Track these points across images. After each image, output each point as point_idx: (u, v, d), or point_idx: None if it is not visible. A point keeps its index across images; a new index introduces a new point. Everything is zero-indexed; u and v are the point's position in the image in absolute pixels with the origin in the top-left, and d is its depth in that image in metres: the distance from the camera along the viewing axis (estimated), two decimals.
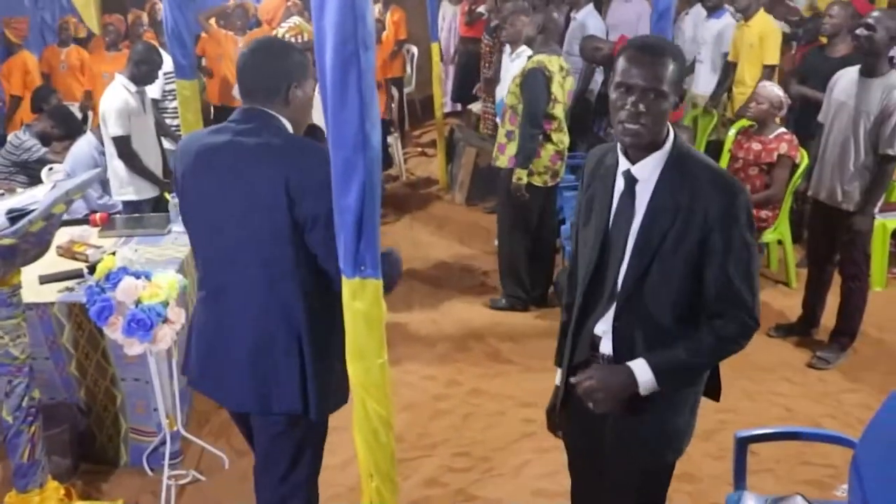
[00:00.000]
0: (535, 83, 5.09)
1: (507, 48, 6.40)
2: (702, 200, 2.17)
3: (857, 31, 4.35)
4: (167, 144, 6.07)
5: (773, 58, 6.65)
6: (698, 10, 7.78)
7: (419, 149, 9.59)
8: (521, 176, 5.17)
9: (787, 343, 5.05)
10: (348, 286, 2.08)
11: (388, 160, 8.34)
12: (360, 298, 2.06)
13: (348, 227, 2.00)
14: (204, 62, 7.89)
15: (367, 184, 1.95)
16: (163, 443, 3.73)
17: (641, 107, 2.13)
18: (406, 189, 8.28)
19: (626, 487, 2.54)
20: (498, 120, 6.00)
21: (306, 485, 2.67)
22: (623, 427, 2.43)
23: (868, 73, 4.40)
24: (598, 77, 7.21)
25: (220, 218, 2.44)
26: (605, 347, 2.39)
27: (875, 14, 4.38)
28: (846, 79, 4.55)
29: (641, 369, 2.23)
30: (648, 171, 2.23)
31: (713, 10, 7.37)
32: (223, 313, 2.53)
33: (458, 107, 10.04)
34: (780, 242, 5.71)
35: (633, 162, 2.25)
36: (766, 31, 6.68)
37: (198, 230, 2.57)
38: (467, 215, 7.37)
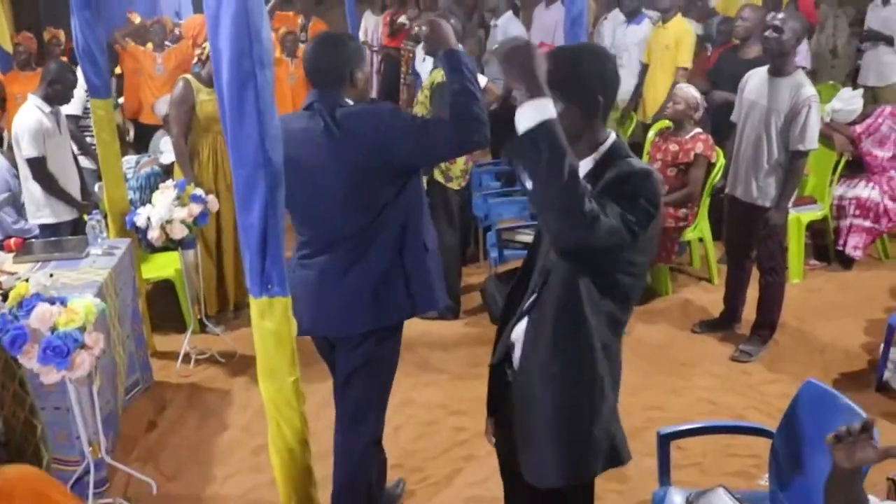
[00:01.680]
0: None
1: (419, 53, 6.44)
2: (609, 189, 2.09)
3: (766, 34, 4.47)
4: (86, 163, 5.95)
5: (687, 60, 6.79)
6: (616, 15, 7.92)
7: None
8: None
9: (711, 338, 5.15)
10: (256, 306, 2.06)
11: None
12: (268, 317, 2.05)
13: (253, 245, 1.99)
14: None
15: (270, 201, 1.94)
16: (87, 472, 3.64)
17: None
18: None
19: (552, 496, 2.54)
20: None
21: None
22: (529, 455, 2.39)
23: (776, 73, 4.52)
24: None
25: (318, 192, 2.87)
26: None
27: (781, 16, 4.51)
28: (756, 79, 4.67)
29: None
30: (581, 172, 2.17)
31: (632, 17, 7.51)
32: (327, 265, 2.95)
33: None
34: (700, 240, 5.82)
35: None
36: (681, 34, 6.82)
37: (297, 204, 2.91)
38: None
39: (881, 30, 7.24)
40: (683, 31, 6.85)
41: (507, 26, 7.54)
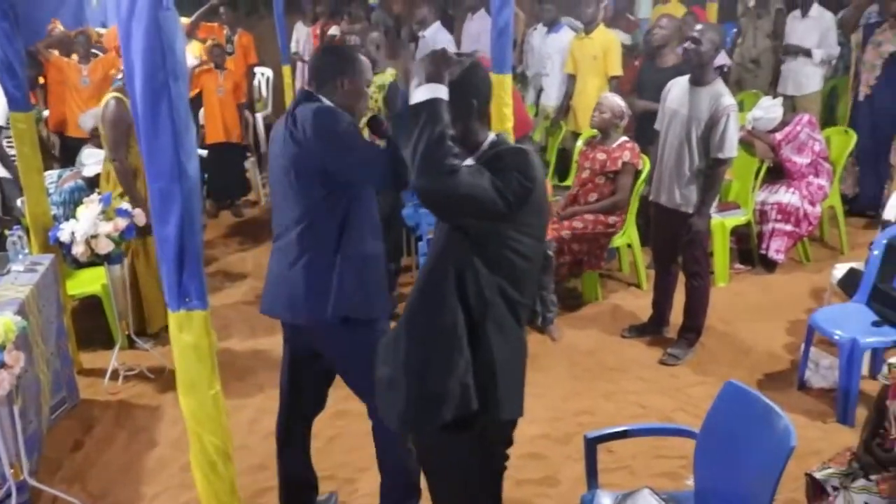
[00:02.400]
0: (399, 95, 5.28)
1: None
2: (484, 164, 2.34)
3: (685, 45, 4.59)
4: (2, 172, 5.82)
5: (617, 69, 6.92)
6: (542, 26, 8.04)
7: None
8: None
9: (640, 343, 5.24)
10: (174, 319, 2.05)
11: (246, 186, 8.23)
12: (187, 331, 2.03)
13: (170, 258, 1.98)
14: None
15: (186, 214, 1.93)
16: (8, 494, 3.55)
17: None
18: (266, 214, 8.17)
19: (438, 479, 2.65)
20: None
21: None
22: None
23: (697, 82, 4.64)
24: None
25: (276, 180, 3.17)
26: None
27: (699, 28, 4.64)
28: (678, 88, 4.78)
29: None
30: None
31: (551, 26, 7.63)
32: (280, 252, 3.19)
33: None
34: (629, 246, 5.92)
35: None
36: (607, 44, 6.94)
37: (272, 191, 3.29)
38: None
39: (800, 42, 7.46)
40: (609, 40, 6.97)
41: (435, 37, 7.58)
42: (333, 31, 9.15)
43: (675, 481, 3.83)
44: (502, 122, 4.77)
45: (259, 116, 9.64)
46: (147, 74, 1.83)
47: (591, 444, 3.16)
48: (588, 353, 5.12)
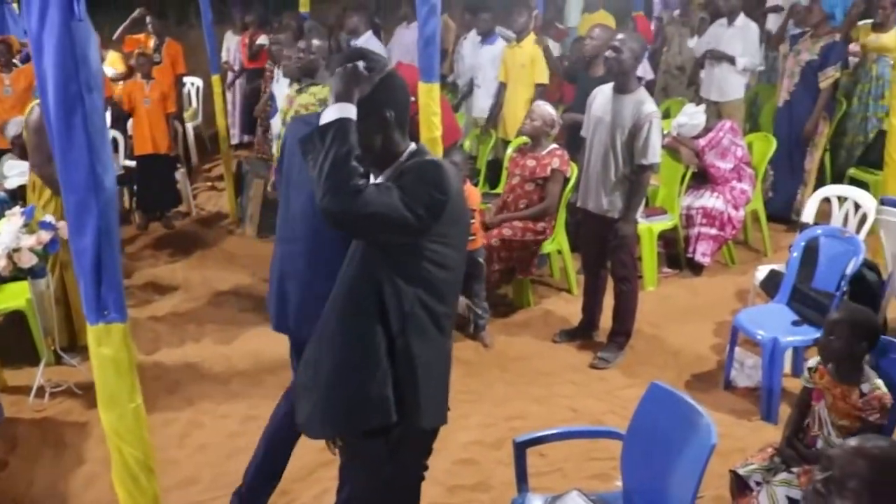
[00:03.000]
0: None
1: (277, 74, 6.42)
2: (397, 180, 2.35)
3: (606, 54, 4.69)
4: None
5: (543, 77, 7.01)
6: (473, 35, 8.11)
7: (209, 183, 9.39)
8: None
9: (571, 347, 5.30)
10: (93, 333, 2.03)
11: (176, 197, 8.12)
12: (105, 344, 2.01)
13: (87, 271, 1.96)
14: None
15: (103, 226, 1.92)
16: None
17: None
18: (197, 225, 8.09)
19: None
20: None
21: None
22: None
23: (620, 90, 4.73)
24: None
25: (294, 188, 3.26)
26: None
27: (620, 37, 4.74)
28: (602, 96, 4.87)
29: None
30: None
31: (486, 37, 7.70)
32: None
33: (246, 138, 9.96)
34: (559, 252, 5.99)
35: (376, 176, 2.45)
36: (535, 52, 7.03)
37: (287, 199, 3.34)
38: (259, 248, 7.25)
39: (725, 49, 7.65)
40: (538, 49, 7.07)
41: (366, 47, 7.58)
42: (262, 40, 9.13)
43: (606, 482, 3.89)
44: (430, 130, 4.81)
45: (189, 126, 9.54)
46: (59, 86, 1.80)
47: (520, 449, 3.19)
48: (520, 359, 5.17)
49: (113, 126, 8.09)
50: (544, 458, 4.09)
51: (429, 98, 4.80)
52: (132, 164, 7.74)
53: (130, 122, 7.66)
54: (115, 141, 7.87)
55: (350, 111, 2.23)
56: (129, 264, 6.93)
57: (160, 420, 4.52)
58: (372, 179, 2.42)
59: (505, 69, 7.25)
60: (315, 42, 5.34)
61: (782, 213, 7.07)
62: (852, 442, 2.05)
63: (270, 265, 3.40)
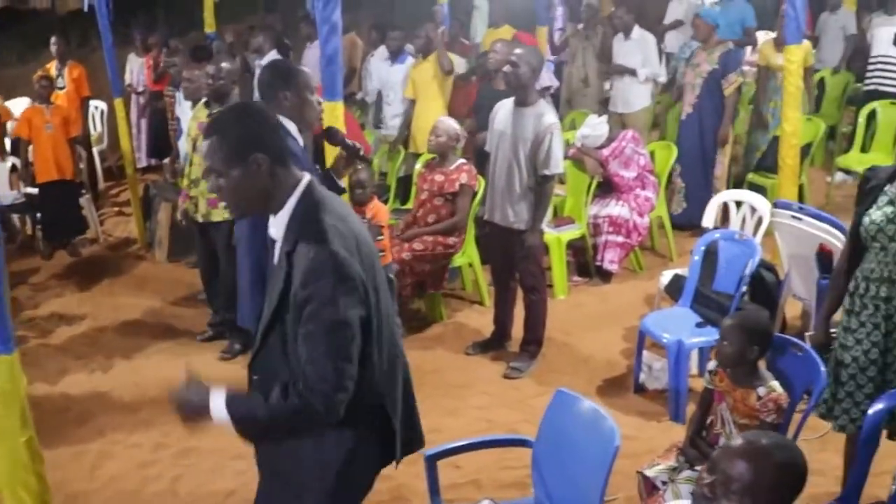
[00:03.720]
0: None
1: (178, 98, 6.37)
2: (299, 256, 2.17)
3: (504, 69, 4.78)
4: None
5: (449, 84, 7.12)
6: (382, 52, 8.15)
7: (116, 208, 9.20)
8: None
9: (484, 359, 5.35)
10: None
11: (82, 223, 7.93)
12: None
13: None
14: None
15: None
16: None
17: (213, 186, 2.26)
18: (105, 252, 7.92)
19: None
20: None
21: None
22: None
23: (521, 103, 4.82)
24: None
25: None
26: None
27: (518, 51, 4.84)
28: (504, 109, 4.95)
29: (218, 402, 2.21)
30: (279, 229, 2.28)
31: (396, 55, 7.76)
32: None
33: (153, 161, 9.82)
34: (470, 265, 6.05)
35: (274, 224, 2.32)
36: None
37: None
38: (170, 272, 7.16)
39: (624, 62, 7.85)
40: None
41: None
42: (166, 63, 9.01)
43: (522, 490, 3.93)
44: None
45: (95, 151, 9.35)
46: None
47: (431, 462, 3.21)
48: (434, 372, 5.19)
49: (12, 153, 7.90)
50: (459, 469, 4.12)
51: (333, 116, 4.81)
52: (34, 191, 7.54)
53: (31, 149, 7.46)
54: (14, 168, 7.69)
55: (221, 408, 2.19)
56: (35, 295, 6.76)
57: (69, 453, 4.42)
58: (271, 229, 2.30)
59: (413, 85, 7.30)
60: (224, 66, 5.32)
61: (697, 221, 7.25)
62: (734, 444, 2.09)
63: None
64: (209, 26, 9.24)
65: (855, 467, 3.18)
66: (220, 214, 5.30)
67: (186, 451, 4.46)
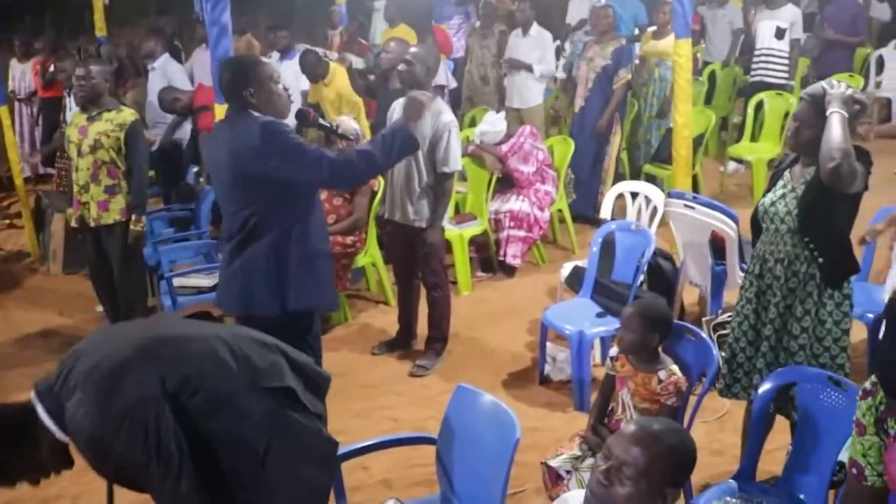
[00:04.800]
0: (142, 135, 5.26)
1: (70, 103, 6.19)
2: None
3: (399, 67, 4.77)
4: None
5: (355, 100, 7.09)
6: (276, 53, 8.09)
7: (7, 220, 8.86)
8: (144, 224, 5.32)
9: (391, 358, 5.34)
10: None
11: None
12: None
13: None
14: None
15: None
16: None
17: None
18: (6, 262, 7.64)
19: None
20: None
21: None
22: None
23: None
24: (187, 126, 7.16)
25: (217, 186, 3.65)
26: None
27: (413, 50, 4.85)
28: (401, 108, 4.93)
29: None
30: None
31: (285, 53, 7.70)
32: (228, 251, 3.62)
33: (50, 170, 9.47)
34: (374, 265, 6.03)
35: None
36: (342, 81, 7.07)
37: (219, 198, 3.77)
38: (66, 284, 6.93)
39: (522, 58, 7.94)
40: (342, 70, 7.13)
41: (164, 68, 7.42)
42: (55, 67, 8.73)
43: (430, 488, 3.93)
44: None
45: None
46: None
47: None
48: (340, 374, 5.11)
49: None
50: (367, 470, 4.11)
51: None
52: None
53: None
54: None
55: None
56: None
57: None
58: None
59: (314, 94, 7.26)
60: (93, 68, 5.22)
61: (586, 211, 7.38)
62: (627, 430, 2.14)
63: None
64: (100, 30, 9.00)
65: (748, 445, 3.28)
66: (112, 216, 5.22)
67: (87, 469, 4.31)
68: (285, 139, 3.37)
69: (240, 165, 3.40)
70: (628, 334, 3.37)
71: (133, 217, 5.23)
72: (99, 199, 5.21)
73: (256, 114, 3.42)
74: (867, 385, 2.04)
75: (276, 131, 3.36)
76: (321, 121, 3.96)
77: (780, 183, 3.42)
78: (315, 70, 6.93)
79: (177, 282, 5.53)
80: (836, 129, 3.09)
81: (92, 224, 5.29)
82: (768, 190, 3.47)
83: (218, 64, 3.72)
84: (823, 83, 3.27)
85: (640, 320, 3.35)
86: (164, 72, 7.38)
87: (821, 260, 3.29)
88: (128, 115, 5.19)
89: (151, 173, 7.08)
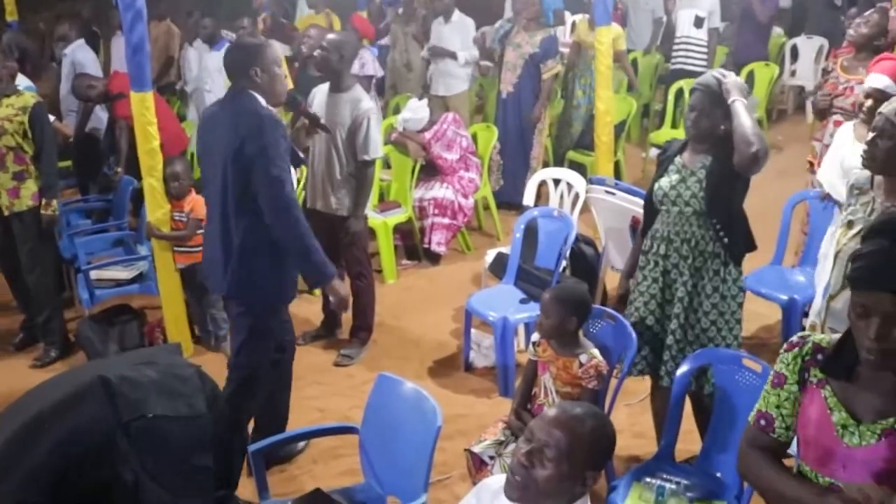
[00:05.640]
0: (46, 117, 5.09)
1: None
2: None
3: (314, 53, 4.73)
4: None
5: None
6: (200, 43, 7.94)
7: None
8: (55, 208, 5.08)
9: (315, 348, 5.30)
10: None
11: None
12: None
13: None
14: None
15: None
16: None
17: None
18: None
19: None
20: None
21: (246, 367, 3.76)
22: None
23: (335, 89, 4.79)
24: (102, 115, 6.97)
25: (208, 168, 3.70)
26: None
27: (330, 37, 4.81)
28: (321, 95, 4.90)
29: None
30: None
31: (213, 42, 7.57)
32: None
33: None
34: None
35: None
36: None
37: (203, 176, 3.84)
38: None
39: (445, 45, 7.92)
40: None
41: (75, 55, 7.22)
42: None
43: (356, 477, 3.91)
44: (147, 140, 4.67)
45: None
46: None
47: (257, 456, 3.16)
48: None
49: None
50: (294, 462, 4.08)
51: (143, 107, 4.65)
52: None
53: None
54: None
55: None
56: None
57: None
58: None
59: None
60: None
61: (514, 198, 7.40)
62: (549, 413, 2.18)
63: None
64: (10, 14, 8.71)
65: (667, 426, 3.35)
66: (24, 203, 5.05)
67: None
68: (277, 141, 3.50)
69: (238, 144, 3.46)
70: (546, 319, 3.41)
71: (44, 201, 5.05)
72: (8, 187, 5.03)
73: (259, 97, 3.56)
74: (794, 339, 2.12)
75: (274, 128, 3.51)
76: (309, 110, 4.34)
77: (673, 168, 3.53)
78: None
79: (94, 274, 5.41)
80: (745, 116, 3.24)
81: (6, 213, 5.12)
82: (660, 175, 3.57)
83: (228, 46, 3.92)
84: (715, 73, 3.42)
85: (557, 304, 3.39)
86: (74, 58, 7.17)
87: (726, 240, 3.43)
88: (28, 97, 5.04)
89: (68, 163, 6.94)
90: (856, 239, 2.97)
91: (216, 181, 3.60)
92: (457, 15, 7.90)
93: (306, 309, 5.79)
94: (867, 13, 5.00)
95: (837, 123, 4.67)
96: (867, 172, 3.10)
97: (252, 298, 3.71)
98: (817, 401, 2.05)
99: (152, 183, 4.79)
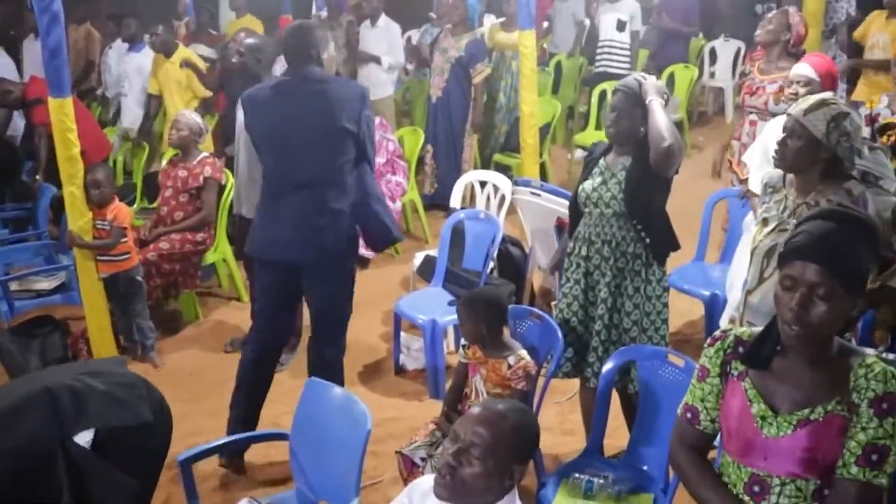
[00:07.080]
0: None
1: None
2: None
3: (233, 59, 4.71)
4: None
5: (203, 91, 6.93)
6: (119, 45, 7.80)
7: None
8: None
9: None
10: None
11: None
12: None
13: None
14: None
15: None
16: None
17: None
18: None
19: None
20: None
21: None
22: None
23: None
24: (20, 122, 6.81)
25: (278, 146, 3.75)
26: None
27: (248, 41, 4.84)
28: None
29: None
30: None
31: (132, 44, 7.45)
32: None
33: None
34: (225, 261, 5.91)
35: None
36: (183, 49, 6.91)
37: (267, 152, 3.84)
38: None
39: (371, 50, 7.93)
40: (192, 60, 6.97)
41: None
42: None
43: (289, 484, 3.89)
44: (67, 147, 4.56)
45: None
46: None
47: (186, 466, 3.12)
48: (192, 374, 5.04)
49: None
50: (225, 469, 4.03)
51: (61, 114, 4.53)
52: None
53: None
54: None
55: None
56: None
57: None
58: None
59: (157, 81, 7.02)
60: None
61: (447, 201, 7.44)
62: (473, 412, 2.22)
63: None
64: None
65: (595, 422, 3.41)
66: None
67: None
68: (371, 115, 3.83)
69: (337, 116, 3.60)
70: (462, 325, 3.49)
71: None
72: None
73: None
74: (717, 333, 2.20)
75: (369, 105, 3.81)
76: None
77: (597, 170, 3.60)
78: (166, 45, 6.90)
79: (14, 285, 5.27)
80: (660, 114, 3.34)
81: None
82: (585, 178, 3.64)
83: (286, 28, 3.90)
84: (636, 76, 3.52)
85: (467, 310, 3.46)
86: None
87: (648, 240, 3.50)
88: None
89: None
90: (771, 235, 3.07)
91: (299, 155, 3.69)
92: (383, 20, 7.91)
93: (235, 316, 5.74)
94: (769, 14, 5.18)
95: (753, 123, 4.82)
96: (780, 171, 3.20)
97: (344, 256, 3.90)
98: (738, 393, 2.12)
99: (73, 191, 4.67)
